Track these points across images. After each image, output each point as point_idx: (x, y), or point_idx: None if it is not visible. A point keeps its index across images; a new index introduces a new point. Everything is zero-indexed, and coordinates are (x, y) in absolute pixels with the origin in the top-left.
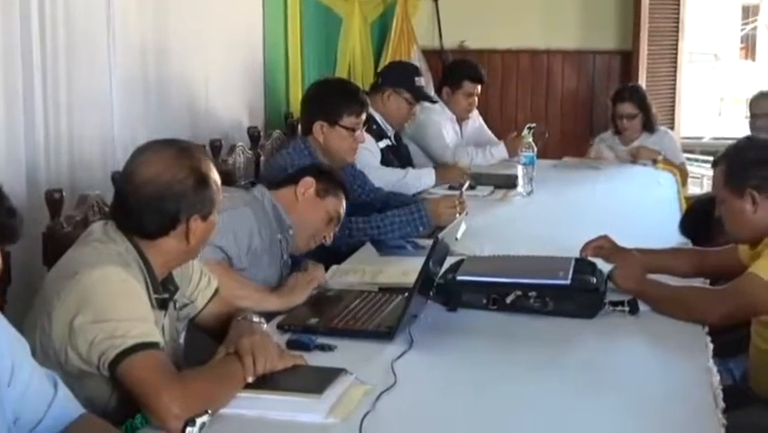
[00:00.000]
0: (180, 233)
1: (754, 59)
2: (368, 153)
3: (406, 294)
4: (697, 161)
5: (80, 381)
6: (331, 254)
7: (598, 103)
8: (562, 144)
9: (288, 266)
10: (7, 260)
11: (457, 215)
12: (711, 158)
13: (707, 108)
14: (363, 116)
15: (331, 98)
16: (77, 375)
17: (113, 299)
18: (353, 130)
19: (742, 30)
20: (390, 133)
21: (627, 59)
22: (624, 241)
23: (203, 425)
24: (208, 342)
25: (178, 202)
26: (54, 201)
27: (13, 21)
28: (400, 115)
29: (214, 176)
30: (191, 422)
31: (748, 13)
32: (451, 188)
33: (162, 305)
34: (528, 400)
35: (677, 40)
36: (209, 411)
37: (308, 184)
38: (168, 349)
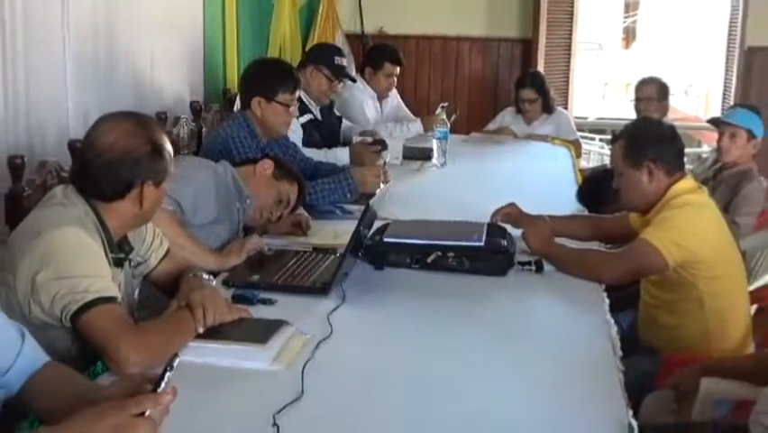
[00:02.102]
0: (134, 197)
1: (633, 49)
2: (289, 133)
3: (339, 254)
4: (584, 138)
5: (43, 332)
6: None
7: (502, 85)
8: (468, 121)
9: (242, 236)
10: None
11: (381, 184)
12: (597, 135)
13: (592, 92)
14: (297, 93)
15: (268, 76)
16: (40, 327)
17: (73, 257)
18: (288, 105)
19: (624, 22)
20: (314, 108)
21: (528, 46)
22: (527, 208)
23: (173, 367)
24: (160, 297)
25: (134, 168)
26: (16, 166)
27: None
28: (321, 90)
29: (168, 147)
30: (170, 367)
31: (629, 7)
32: None
33: (118, 263)
34: (448, 348)
35: (571, 30)
36: (178, 354)
37: (268, 165)
38: (123, 304)
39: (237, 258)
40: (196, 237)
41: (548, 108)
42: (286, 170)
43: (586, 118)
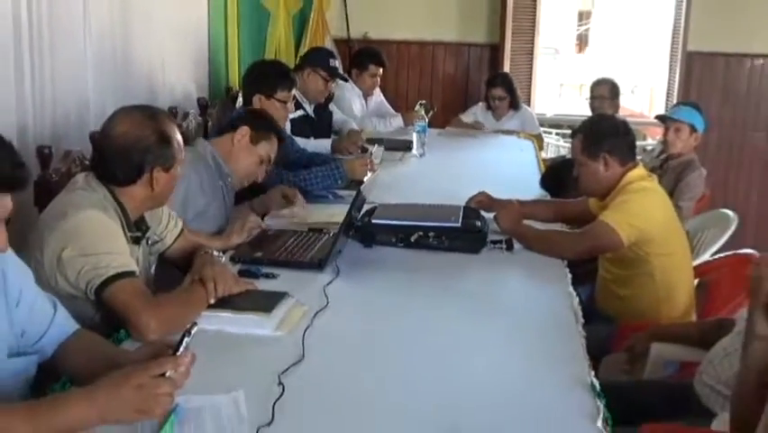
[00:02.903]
0: (146, 181)
1: (586, 54)
2: None
3: (333, 233)
4: (543, 132)
5: (69, 302)
6: None
7: (472, 85)
8: (443, 117)
9: (232, 205)
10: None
11: (369, 172)
12: (554, 130)
13: (549, 91)
14: (294, 91)
15: (268, 76)
16: (66, 297)
17: (95, 236)
18: (285, 102)
19: (577, 30)
20: (308, 106)
21: (495, 51)
22: (497, 193)
23: (191, 334)
24: (174, 273)
25: (143, 154)
26: (44, 155)
27: (7, 11)
28: (318, 90)
29: (176, 136)
30: (188, 333)
31: (582, 16)
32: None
33: (136, 241)
34: (429, 317)
35: (533, 36)
36: (196, 323)
37: (244, 132)
38: (141, 277)
39: (239, 237)
40: (195, 231)
41: (515, 105)
42: (261, 129)
43: (545, 114)
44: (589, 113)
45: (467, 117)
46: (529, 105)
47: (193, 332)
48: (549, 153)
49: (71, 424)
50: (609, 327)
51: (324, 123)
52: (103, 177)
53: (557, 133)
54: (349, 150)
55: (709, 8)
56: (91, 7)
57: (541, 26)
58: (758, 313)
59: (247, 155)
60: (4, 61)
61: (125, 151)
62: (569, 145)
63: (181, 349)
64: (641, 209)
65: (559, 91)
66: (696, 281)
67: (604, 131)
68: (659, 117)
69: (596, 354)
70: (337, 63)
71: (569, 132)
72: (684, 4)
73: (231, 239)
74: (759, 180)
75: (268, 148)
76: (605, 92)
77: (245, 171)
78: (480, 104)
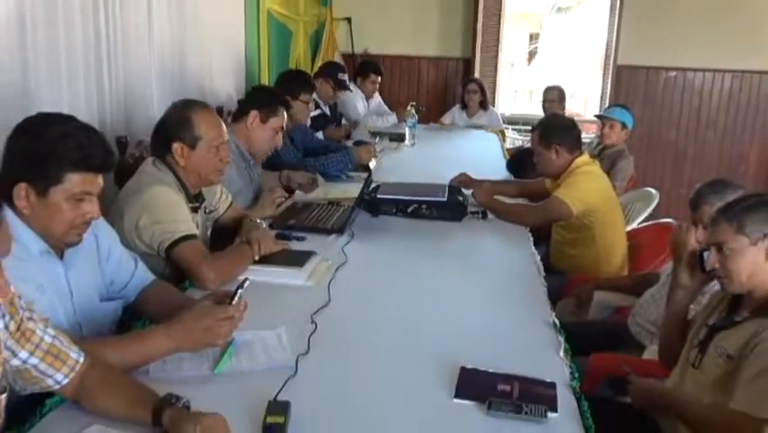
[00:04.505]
0: (178, 154)
1: (534, 66)
2: None
3: (349, 206)
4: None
5: (144, 258)
6: None
7: (449, 90)
8: (427, 115)
9: (260, 178)
10: None
11: (373, 158)
12: (510, 126)
13: (507, 96)
14: (313, 94)
15: (293, 82)
16: (142, 255)
17: (164, 207)
18: (307, 102)
19: (529, 48)
20: (324, 105)
21: (467, 63)
22: (472, 175)
23: (244, 287)
24: (225, 237)
25: (168, 130)
26: (122, 144)
27: (90, 28)
28: (328, 95)
29: (200, 120)
30: (241, 286)
31: (532, 37)
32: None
33: (195, 210)
34: (424, 271)
35: (497, 52)
36: (248, 278)
37: (253, 116)
38: (200, 239)
39: (271, 208)
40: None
41: (485, 105)
42: (266, 107)
43: (504, 114)
44: (539, 113)
45: (448, 117)
46: (494, 106)
47: (245, 285)
48: (507, 144)
49: (152, 352)
50: (561, 279)
51: (335, 120)
52: (159, 157)
53: (513, 129)
54: (336, 138)
55: (635, 32)
56: (155, 25)
57: (504, 44)
58: (681, 268)
59: (261, 133)
60: (86, 69)
61: (159, 127)
62: (523, 138)
63: (236, 298)
64: (586, 187)
65: (514, 96)
66: (628, 244)
67: (556, 127)
68: (597, 116)
69: (550, 300)
70: (345, 76)
71: (523, 127)
72: (615, 27)
73: (264, 210)
74: (670, 166)
75: (277, 120)
76: (554, 96)
77: (266, 146)
78: (457, 105)
